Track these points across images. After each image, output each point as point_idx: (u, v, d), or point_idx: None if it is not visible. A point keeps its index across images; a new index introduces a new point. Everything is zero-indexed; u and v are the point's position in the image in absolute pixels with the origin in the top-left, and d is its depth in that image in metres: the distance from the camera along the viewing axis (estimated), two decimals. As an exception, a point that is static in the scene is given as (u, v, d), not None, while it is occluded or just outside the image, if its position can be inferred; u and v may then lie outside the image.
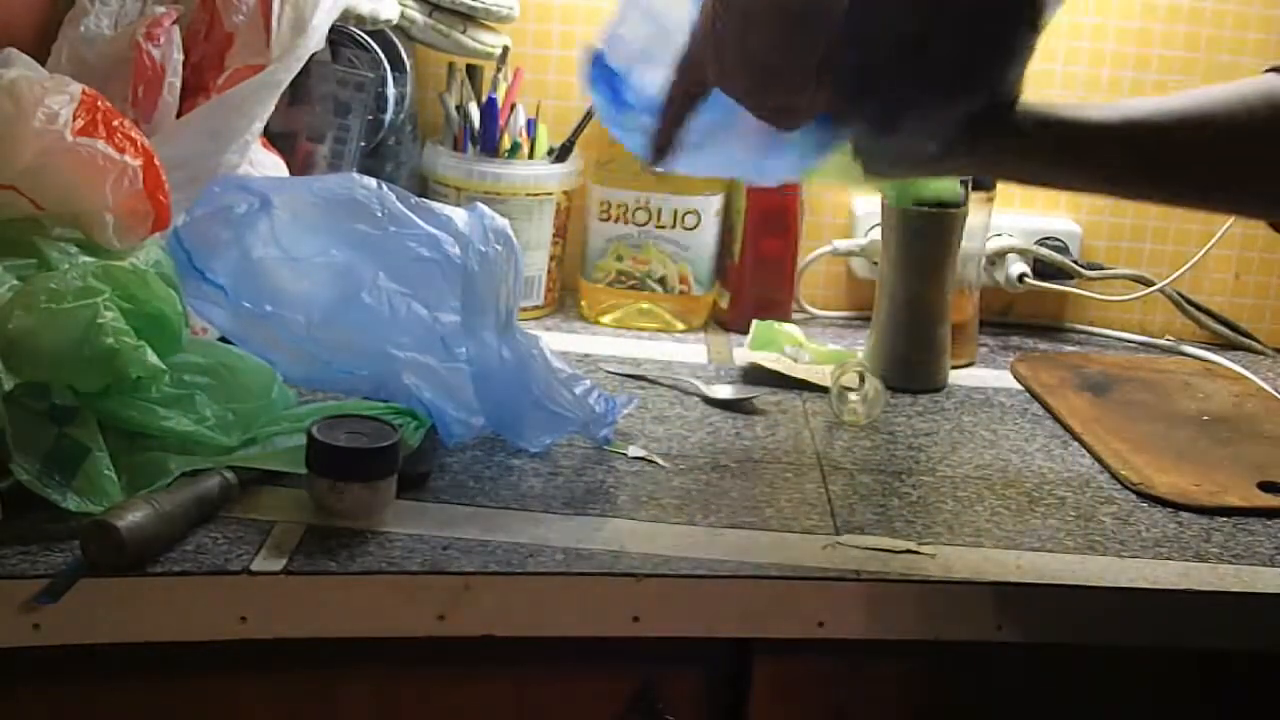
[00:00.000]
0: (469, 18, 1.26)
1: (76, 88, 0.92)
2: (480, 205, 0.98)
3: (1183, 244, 1.41)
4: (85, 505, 0.81)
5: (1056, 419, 1.14)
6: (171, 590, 0.79)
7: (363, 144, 1.23)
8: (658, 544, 0.86)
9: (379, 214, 0.93)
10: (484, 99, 1.27)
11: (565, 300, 1.35)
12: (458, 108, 1.28)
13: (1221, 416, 1.17)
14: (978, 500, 0.97)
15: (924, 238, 1.19)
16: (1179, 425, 1.14)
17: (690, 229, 1.29)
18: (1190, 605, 0.87)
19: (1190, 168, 0.83)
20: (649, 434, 1.03)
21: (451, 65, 1.29)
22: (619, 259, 1.30)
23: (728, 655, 0.88)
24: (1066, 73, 1.38)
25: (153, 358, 0.84)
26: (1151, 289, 1.38)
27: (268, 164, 1.11)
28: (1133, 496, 1.00)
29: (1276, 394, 1.25)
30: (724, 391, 1.13)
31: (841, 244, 1.39)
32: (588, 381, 1.00)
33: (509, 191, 1.25)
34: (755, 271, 1.32)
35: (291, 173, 1.15)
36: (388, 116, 1.25)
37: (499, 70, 1.28)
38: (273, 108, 1.05)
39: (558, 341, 1.22)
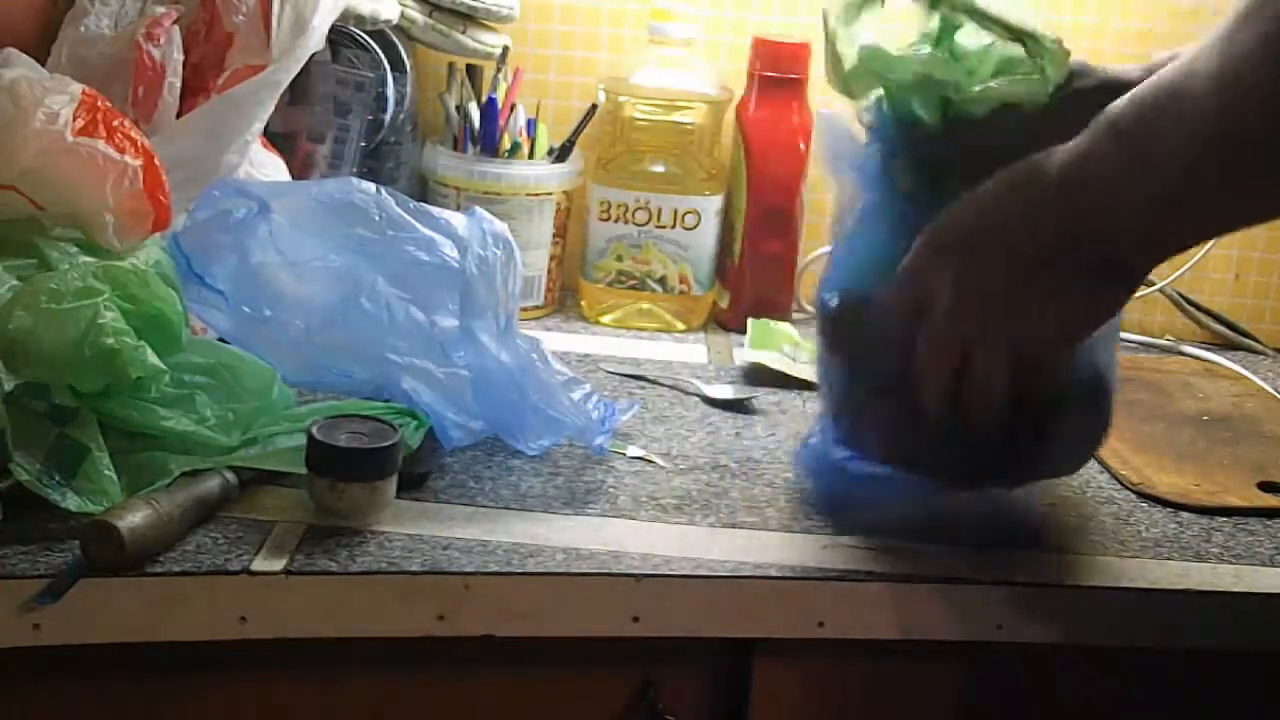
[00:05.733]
0: (469, 18, 1.26)
1: (76, 88, 0.92)
2: (478, 209, 0.98)
3: (1183, 244, 1.41)
4: (85, 505, 0.81)
5: (1056, 419, 1.14)
6: (171, 590, 0.79)
7: (363, 144, 1.23)
8: (658, 544, 0.86)
9: (377, 219, 0.93)
10: (484, 99, 1.27)
11: (565, 300, 1.35)
12: (458, 108, 1.28)
13: (1221, 416, 1.17)
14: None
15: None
16: (1179, 425, 1.14)
17: (690, 229, 1.29)
18: (1190, 605, 0.87)
19: None
20: (649, 434, 1.03)
21: (451, 65, 1.29)
22: (619, 259, 1.30)
23: (728, 655, 0.88)
24: (1066, 73, 1.37)
25: (153, 358, 0.84)
26: (1151, 289, 1.38)
27: (268, 164, 1.11)
28: (1133, 496, 1.00)
29: (1276, 394, 1.24)
30: (724, 391, 1.13)
31: (841, 244, 1.39)
32: (587, 386, 1.00)
33: (509, 191, 1.25)
34: (755, 271, 1.32)
35: (291, 172, 1.15)
36: (388, 116, 1.25)
37: (499, 70, 1.28)
38: (273, 108, 1.05)
39: (558, 341, 1.22)
